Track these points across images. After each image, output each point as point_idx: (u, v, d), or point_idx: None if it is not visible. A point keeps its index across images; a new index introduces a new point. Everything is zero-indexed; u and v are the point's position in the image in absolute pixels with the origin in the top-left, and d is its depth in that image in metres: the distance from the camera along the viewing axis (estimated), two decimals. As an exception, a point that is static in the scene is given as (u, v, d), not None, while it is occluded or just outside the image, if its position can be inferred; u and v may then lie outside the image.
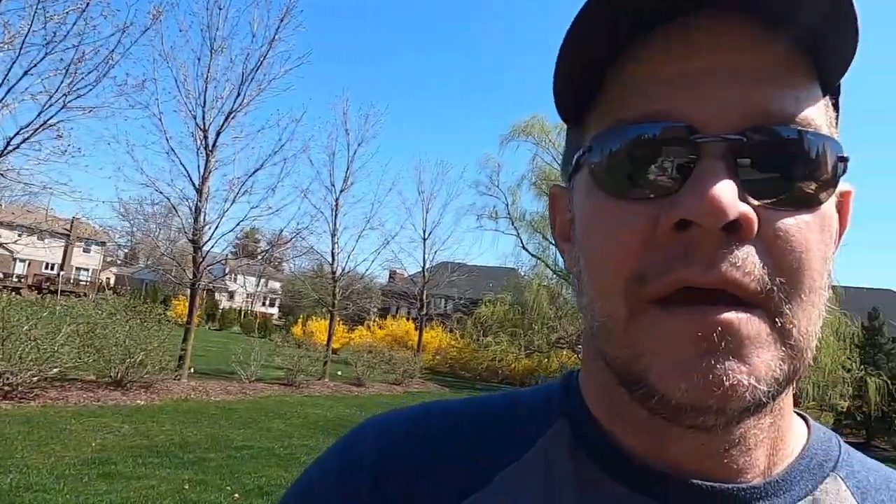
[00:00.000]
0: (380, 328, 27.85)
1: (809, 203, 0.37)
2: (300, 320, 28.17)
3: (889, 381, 16.91)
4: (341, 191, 15.73)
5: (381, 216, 34.65)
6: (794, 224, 0.36)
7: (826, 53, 0.38)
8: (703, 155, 0.36)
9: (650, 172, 0.37)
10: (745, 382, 0.34)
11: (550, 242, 24.16)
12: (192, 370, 11.57)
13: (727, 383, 0.34)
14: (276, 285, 53.39)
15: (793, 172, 0.37)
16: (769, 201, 0.36)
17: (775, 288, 0.35)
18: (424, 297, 20.60)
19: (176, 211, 11.86)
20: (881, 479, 0.45)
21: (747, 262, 0.35)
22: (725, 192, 0.34)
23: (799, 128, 0.37)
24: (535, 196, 24.48)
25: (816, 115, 0.38)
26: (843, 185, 0.41)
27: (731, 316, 0.34)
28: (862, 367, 17.31)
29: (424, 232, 20.79)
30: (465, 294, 23.93)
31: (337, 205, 15.60)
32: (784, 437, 0.43)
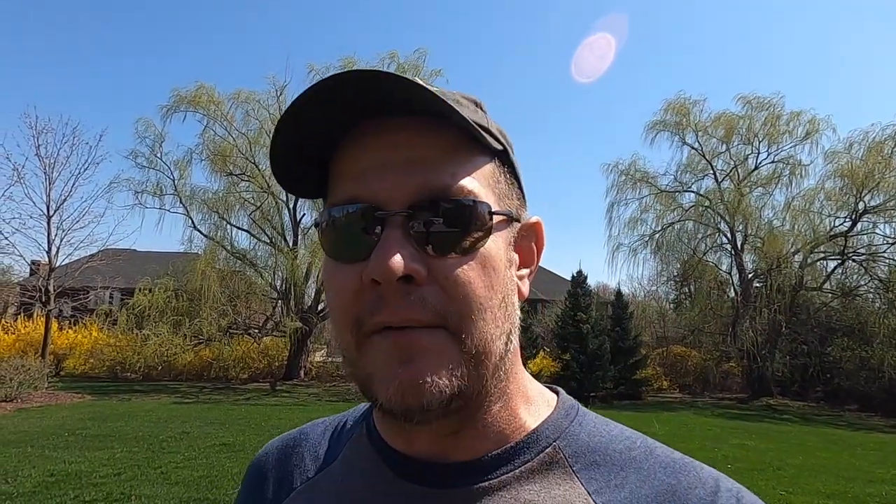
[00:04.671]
0: (6, 333, 21.79)
1: (468, 250, 0.49)
2: None
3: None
4: None
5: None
6: (458, 267, 0.49)
7: (478, 139, 0.50)
8: (385, 226, 0.48)
9: (354, 241, 0.50)
10: (429, 380, 0.46)
11: (227, 222, 22.13)
12: None
13: (417, 383, 0.46)
14: None
15: (450, 230, 0.49)
16: (437, 254, 0.48)
17: (449, 315, 0.48)
18: (52, 288, 16.62)
19: None
20: (601, 442, 0.56)
21: (423, 301, 0.47)
22: (396, 256, 0.46)
23: (452, 197, 0.49)
24: (209, 172, 22.35)
25: (471, 183, 0.50)
26: (531, 219, 0.58)
27: (415, 335, 0.47)
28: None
29: (49, 208, 16.67)
30: (130, 283, 20.39)
31: None
32: (517, 418, 0.55)
